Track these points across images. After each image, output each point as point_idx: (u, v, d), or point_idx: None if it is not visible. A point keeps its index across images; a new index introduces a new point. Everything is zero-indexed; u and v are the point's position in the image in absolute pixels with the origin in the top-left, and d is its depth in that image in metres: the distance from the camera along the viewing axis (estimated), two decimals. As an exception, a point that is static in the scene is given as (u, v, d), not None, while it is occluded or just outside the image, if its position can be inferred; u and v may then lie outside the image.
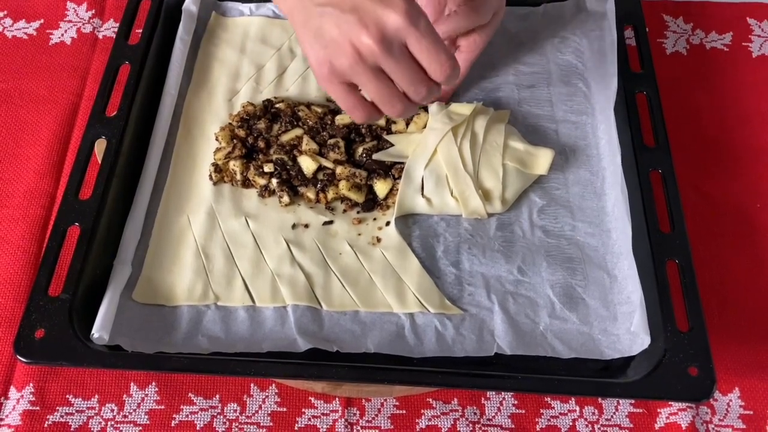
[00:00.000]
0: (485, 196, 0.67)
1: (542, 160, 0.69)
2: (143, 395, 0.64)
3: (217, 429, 0.62)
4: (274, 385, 0.64)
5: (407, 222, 0.68)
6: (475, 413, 0.64)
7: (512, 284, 0.63)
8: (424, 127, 0.71)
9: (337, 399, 0.64)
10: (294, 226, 0.67)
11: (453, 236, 0.66)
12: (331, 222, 0.67)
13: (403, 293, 0.63)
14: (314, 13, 0.49)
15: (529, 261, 0.65)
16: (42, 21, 0.89)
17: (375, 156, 0.69)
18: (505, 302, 0.62)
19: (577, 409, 0.64)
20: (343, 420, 0.63)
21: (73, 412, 0.63)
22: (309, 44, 0.51)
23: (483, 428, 0.63)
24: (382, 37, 0.48)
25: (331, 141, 0.70)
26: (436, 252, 0.65)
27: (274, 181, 0.68)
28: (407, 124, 0.71)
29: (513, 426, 0.63)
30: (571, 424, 0.63)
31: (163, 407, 0.63)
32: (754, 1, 0.92)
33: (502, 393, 0.64)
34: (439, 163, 0.68)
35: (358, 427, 0.63)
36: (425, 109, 0.72)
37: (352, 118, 0.55)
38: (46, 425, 0.62)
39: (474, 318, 0.61)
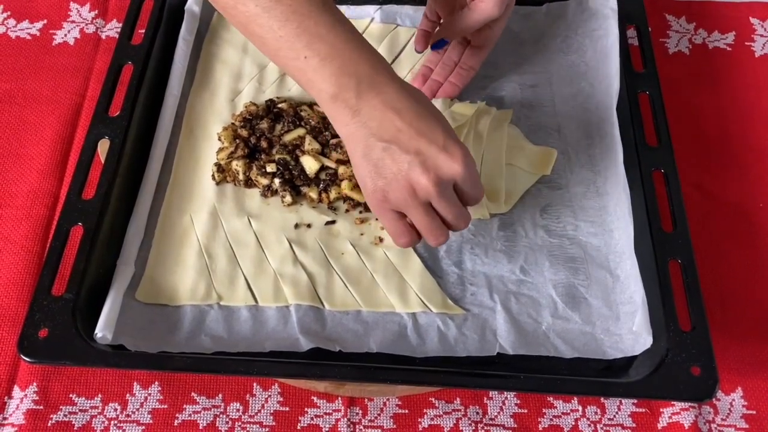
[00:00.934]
0: (488, 195, 0.67)
1: (545, 159, 0.69)
2: (146, 394, 0.64)
3: (219, 428, 0.62)
4: (276, 384, 0.65)
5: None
6: (477, 413, 0.64)
7: (515, 284, 0.63)
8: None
9: (339, 398, 0.64)
10: (296, 226, 0.67)
11: (455, 236, 0.66)
12: (333, 222, 0.67)
13: (405, 293, 0.63)
14: (377, 147, 0.52)
15: (531, 261, 0.65)
16: (45, 21, 0.89)
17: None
18: (507, 302, 0.62)
19: (580, 408, 0.64)
20: (345, 419, 0.63)
21: (77, 411, 0.63)
22: (367, 173, 0.53)
23: (485, 428, 0.63)
24: (439, 181, 0.51)
25: (334, 141, 0.70)
26: (438, 252, 0.65)
27: (277, 181, 0.68)
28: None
29: (515, 425, 0.63)
30: (573, 423, 0.63)
31: (166, 406, 0.63)
32: (757, 0, 0.91)
33: (505, 393, 0.64)
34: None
35: (361, 427, 0.63)
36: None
37: (396, 243, 0.57)
38: (49, 424, 0.62)
39: (476, 318, 0.62)
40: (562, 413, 0.64)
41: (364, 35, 0.80)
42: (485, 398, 0.64)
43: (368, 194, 0.55)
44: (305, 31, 0.51)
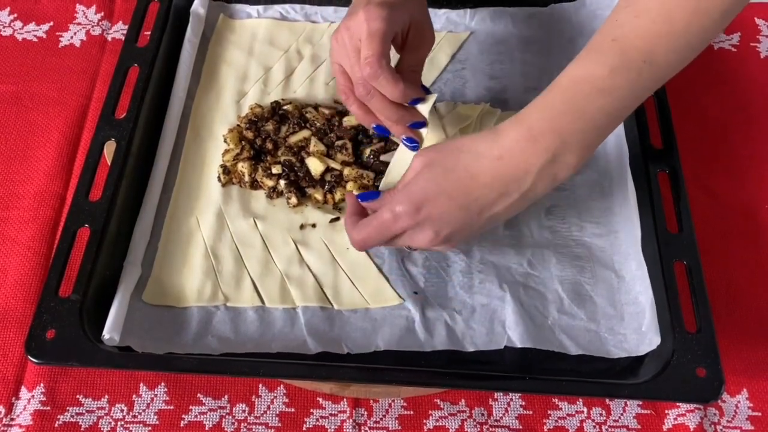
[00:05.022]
0: (493, 197, 0.67)
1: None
2: (152, 395, 0.64)
3: (225, 429, 0.63)
4: (282, 385, 0.65)
5: (415, 223, 0.68)
6: (482, 414, 0.64)
7: (522, 276, 0.63)
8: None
9: (345, 399, 0.64)
10: (302, 227, 0.67)
11: None
12: (337, 219, 0.67)
13: None
14: None
15: (538, 256, 0.65)
16: (51, 24, 0.90)
17: (383, 157, 0.69)
18: (516, 291, 0.62)
19: (585, 410, 0.64)
20: (351, 420, 0.63)
21: (84, 412, 0.63)
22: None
23: (490, 429, 0.63)
24: (349, 33, 0.57)
25: (339, 142, 0.70)
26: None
27: (282, 182, 0.69)
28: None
29: (520, 427, 0.63)
30: (578, 425, 0.63)
31: (172, 407, 0.64)
32: (763, 1, 0.91)
33: (510, 394, 0.64)
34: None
35: (366, 428, 0.63)
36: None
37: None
38: (56, 425, 0.62)
39: (485, 309, 0.61)
40: (567, 415, 0.64)
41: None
42: (490, 400, 0.64)
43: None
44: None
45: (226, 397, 0.64)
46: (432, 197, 0.52)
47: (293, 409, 0.64)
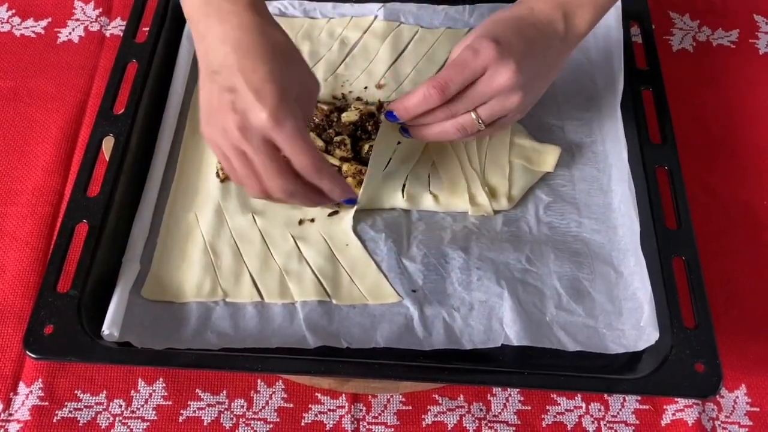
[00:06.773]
0: (491, 192, 0.67)
1: (549, 157, 0.69)
2: (151, 391, 0.64)
3: (224, 425, 0.63)
4: (280, 381, 0.65)
5: (412, 217, 0.68)
6: (481, 409, 0.64)
7: (520, 272, 0.63)
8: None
9: (343, 395, 0.64)
10: (300, 222, 0.67)
11: (459, 226, 0.67)
12: (336, 212, 0.67)
13: None
14: (207, 74, 0.53)
15: (537, 252, 0.65)
16: (50, 19, 0.89)
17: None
18: (514, 288, 0.62)
19: (583, 405, 0.64)
20: (349, 416, 0.63)
21: (82, 407, 0.63)
22: (204, 91, 0.54)
23: (489, 424, 0.63)
24: (243, 126, 0.51)
25: (338, 138, 0.70)
26: (443, 241, 0.65)
27: (281, 178, 0.68)
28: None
29: (519, 422, 0.63)
30: (577, 420, 0.63)
31: (170, 403, 0.64)
32: (762, -2, 0.92)
33: (509, 389, 0.64)
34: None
35: (365, 423, 0.63)
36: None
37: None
38: (54, 420, 0.62)
39: (483, 306, 0.61)
40: (566, 410, 0.64)
41: (367, 33, 0.81)
42: (489, 395, 0.64)
43: (201, 120, 0.55)
44: None
45: (224, 392, 0.64)
46: (492, 24, 0.58)
47: (292, 405, 0.64)
